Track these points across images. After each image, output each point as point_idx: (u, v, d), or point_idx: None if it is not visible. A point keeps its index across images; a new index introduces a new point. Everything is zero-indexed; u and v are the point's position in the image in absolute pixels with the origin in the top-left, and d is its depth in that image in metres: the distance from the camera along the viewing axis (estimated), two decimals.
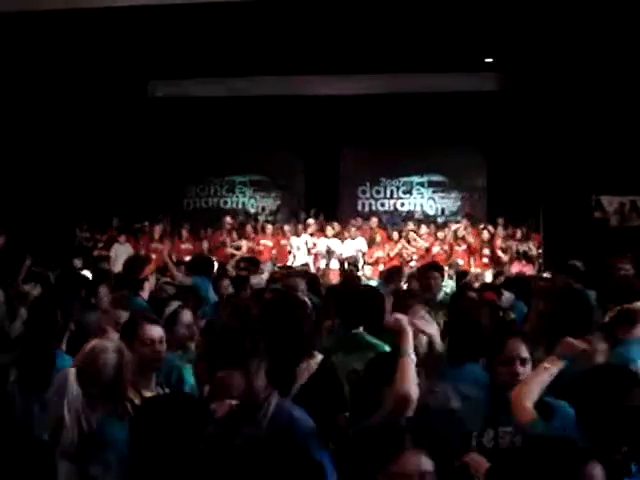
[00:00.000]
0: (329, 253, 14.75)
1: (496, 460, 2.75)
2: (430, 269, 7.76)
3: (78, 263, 13.17)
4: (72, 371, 3.22)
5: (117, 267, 11.23)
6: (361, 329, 5.01)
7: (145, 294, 6.31)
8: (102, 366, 3.29)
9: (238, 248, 15.09)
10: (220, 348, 3.28)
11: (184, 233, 15.70)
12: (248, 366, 3.10)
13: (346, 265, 12.84)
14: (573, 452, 2.31)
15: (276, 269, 11.48)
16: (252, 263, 9.95)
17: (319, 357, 4.05)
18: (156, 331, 4.04)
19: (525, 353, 3.53)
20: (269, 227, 15.88)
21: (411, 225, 15.71)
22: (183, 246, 15.34)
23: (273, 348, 3.53)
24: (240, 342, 3.18)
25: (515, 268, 13.55)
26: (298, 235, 15.29)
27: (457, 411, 3.70)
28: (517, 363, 3.49)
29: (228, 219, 16.19)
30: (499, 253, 14.62)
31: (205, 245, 15.39)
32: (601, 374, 2.96)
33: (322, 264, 14.61)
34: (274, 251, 15.34)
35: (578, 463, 2.24)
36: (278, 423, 3.06)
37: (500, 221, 15.31)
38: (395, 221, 17.32)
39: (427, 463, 2.24)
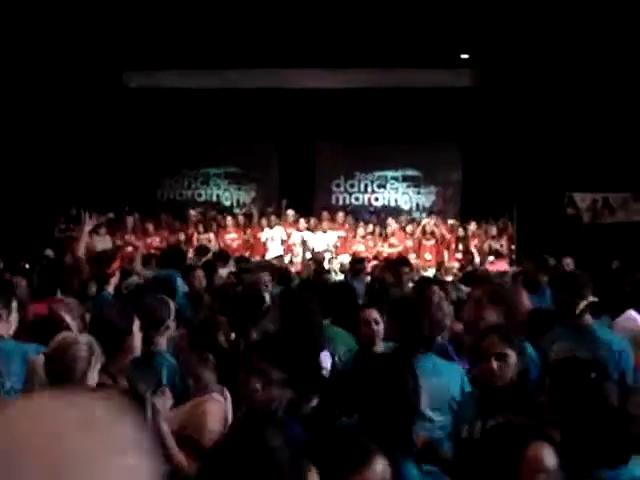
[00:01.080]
0: (304, 245, 14.76)
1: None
2: (400, 264, 7.85)
3: (50, 253, 13.03)
4: (40, 359, 3.20)
5: None
6: (328, 321, 5.15)
7: (110, 288, 6.42)
8: (71, 358, 3.25)
9: (208, 241, 15.05)
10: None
11: (149, 227, 15.57)
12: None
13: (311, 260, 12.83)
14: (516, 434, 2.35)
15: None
16: (221, 257, 9.99)
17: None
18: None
19: (502, 349, 3.55)
20: (240, 219, 15.83)
21: (393, 223, 15.74)
22: (149, 239, 15.25)
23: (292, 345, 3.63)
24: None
25: (487, 265, 13.60)
26: (271, 227, 15.23)
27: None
28: (492, 359, 3.52)
29: (193, 212, 16.13)
30: (472, 250, 14.69)
31: (182, 237, 15.31)
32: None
33: (296, 257, 14.61)
34: (241, 243, 15.30)
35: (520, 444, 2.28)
36: None
37: (472, 224, 15.32)
38: (366, 216, 17.25)
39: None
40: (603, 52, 13.30)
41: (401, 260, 8.51)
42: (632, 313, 5.48)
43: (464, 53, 15.67)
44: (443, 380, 3.98)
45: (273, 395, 3.11)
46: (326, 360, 4.29)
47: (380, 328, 4.62)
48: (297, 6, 12.77)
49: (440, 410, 3.86)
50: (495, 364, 3.50)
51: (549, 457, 2.27)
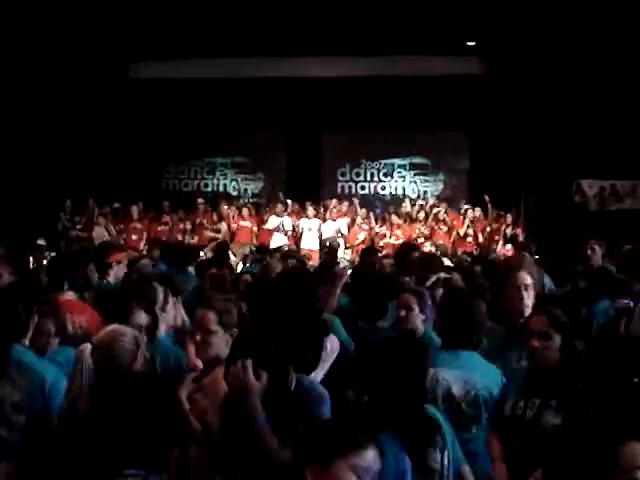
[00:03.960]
0: (310, 233, 14.77)
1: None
2: (410, 250, 7.73)
3: (41, 242, 12.95)
4: (88, 346, 3.29)
5: None
6: None
7: (111, 279, 6.39)
8: (117, 350, 3.35)
9: (218, 231, 15.08)
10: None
11: (164, 216, 15.61)
12: None
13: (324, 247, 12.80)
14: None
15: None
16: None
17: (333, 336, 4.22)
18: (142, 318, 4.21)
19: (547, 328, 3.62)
20: (247, 209, 15.81)
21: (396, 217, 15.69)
22: (161, 228, 15.29)
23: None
24: None
25: (501, 252, 13.62)
26: (278, 215, 15.17)
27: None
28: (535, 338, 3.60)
29: (200, 200, 16.12)
30: (480, 236, 14.69)
31: (188, 227, 15.32)
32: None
33: (303, 245, 14.61)
34: (254, 233, 15.28)
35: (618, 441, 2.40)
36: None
37: (477, 210, 15.23)
38: (376, 204, 17.21)
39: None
40: (612, 40, 13.27)
41: (411, 246, 8.38)
42: None
43: (471, 41, 15.62)
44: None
45: None
46: (332, 344, 4.27)
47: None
48: None
49: None
50: (537, 342, 3.54)
51: None
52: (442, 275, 5.85)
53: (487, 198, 15.11)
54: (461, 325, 3.96)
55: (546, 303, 4.66)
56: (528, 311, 4.27)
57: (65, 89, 15.30)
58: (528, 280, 4.38)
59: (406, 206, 15.72)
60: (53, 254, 10.27)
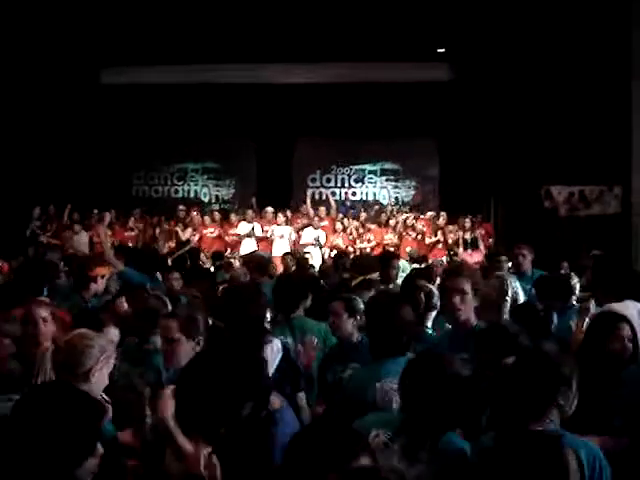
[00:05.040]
0: (282, 240, 14.68)
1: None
2: (391, 258, 7.75)
3: None
4: (50, 347, 3.23)
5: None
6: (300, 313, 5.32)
7: (88, 294, 6.20)
8: (79, 352, 3.27)
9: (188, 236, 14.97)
10: None
11: (130, 221, 15.46)
12: None
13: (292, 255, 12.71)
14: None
15: None
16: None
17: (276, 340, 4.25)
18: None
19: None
20: (216, 215, 15.70)
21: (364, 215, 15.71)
22: (128, 234, 15.15)
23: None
24: None
25: (463, 256, 13.68)
26: (249, 222, 15.05)
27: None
28: None
29: (181, 207, 15.98)
30: (449, 241, 14.74)
31: (153, 233, 15.19)
32: None
33: (274, 252, 14.51)
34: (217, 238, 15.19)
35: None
36: None
37: (443, 217, 15.27)
38: (342, 210, 17.14)
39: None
40: (577, 46, 13.40)
41: (392, 254, 8.42)
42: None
43: (441, 47, 15.71)
44: None
45: None
46: (271, 353, 4.20)
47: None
48: (275, 1, 12.76)
49: None
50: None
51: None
52: (374, 276, 5.85)
53: (431, 213, 15.25)
54: (385, 330, 3.88)
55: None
56: (463, 316, 4.32)
57: (35, 95, 15.12)
58: (462, 286, 4.35)
59: (370, 214, 15.74)
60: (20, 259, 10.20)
